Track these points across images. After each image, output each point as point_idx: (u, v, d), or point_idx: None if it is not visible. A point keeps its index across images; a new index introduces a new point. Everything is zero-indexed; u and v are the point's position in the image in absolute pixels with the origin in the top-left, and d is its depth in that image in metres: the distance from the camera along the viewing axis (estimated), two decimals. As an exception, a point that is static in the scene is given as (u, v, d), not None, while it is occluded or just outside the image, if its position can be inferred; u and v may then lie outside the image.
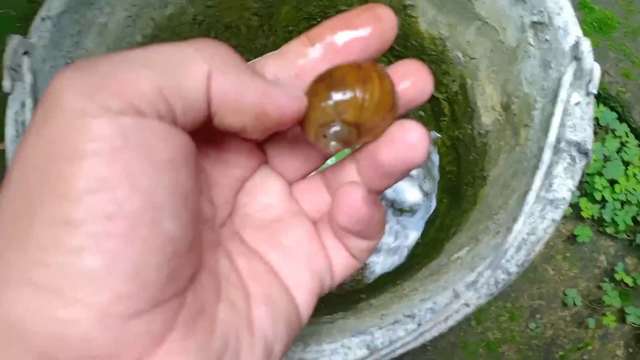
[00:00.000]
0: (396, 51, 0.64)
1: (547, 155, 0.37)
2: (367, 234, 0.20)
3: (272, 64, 0.19)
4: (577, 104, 0.39)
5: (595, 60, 0.39)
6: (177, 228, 0.15)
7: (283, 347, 0.19)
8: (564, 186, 0.37)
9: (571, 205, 0.72)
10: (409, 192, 0.65)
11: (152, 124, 0.14)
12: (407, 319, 0.33)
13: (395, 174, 0.19)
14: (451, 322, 0.32)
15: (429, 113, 0.68)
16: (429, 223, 0.64)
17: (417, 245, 0.62)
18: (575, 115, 0.39)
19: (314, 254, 0.20)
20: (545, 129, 0.42)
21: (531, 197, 0.35)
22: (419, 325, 0.32)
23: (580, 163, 0.38)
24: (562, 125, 0.39)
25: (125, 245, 0.13)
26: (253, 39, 0.66)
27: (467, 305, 0.32)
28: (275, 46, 0.68)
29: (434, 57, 0.61)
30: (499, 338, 0.68)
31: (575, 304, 0.69)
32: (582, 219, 0.72)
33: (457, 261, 0.40)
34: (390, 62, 0.65)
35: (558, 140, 0.39)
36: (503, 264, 0.33)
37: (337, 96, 0.17)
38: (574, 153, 0.38)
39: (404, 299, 0.39)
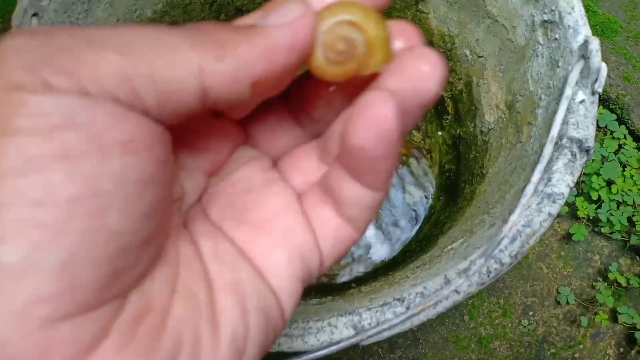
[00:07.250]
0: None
1: (547, 150, 0.38)
2: (376, 174, 0.16)
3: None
4: (582, 102, 0.40)
5: (600, 61, 0.40)
6: (126, 221, 0.13)
7: (259, 344, 0.16)
8: (563, 181, 0.37)
9: (567, 204, 0.73)
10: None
11: (104, 105, 0.12)
12: (396, 302, 0.34)
13: (407, 112, 0.15)
14: (440, 308, 0.33)
15: (432, 112, 0.69)
16: (425, 220, 0.64)
17: (411, 241, 0.63)
18: (578, 113, 0.40)
19: (291, 227, 0.17)
20: (548, 127, 0.43)
21: (529, 189, 0.36)
22: (407, 308, 0.33)
23: (581, 160, 0.38)
24: (565, 122, 0.39)
25: (54, 238, 0.11)
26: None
27: (457, 292, 0.33)
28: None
29: (441, 54, 0.62)
30: (491, 334, 0.69)
31: (568, 302, 0.70)
32: (577, 218, 0.73)
33: (450, 252, 0.41)
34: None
35: (560, 137, 0.39)
36: (496, 254, 0.34)
37: (343, 16, 0.16)
38: (575, 150, 0.38)
39: (394, 285, 0.39)
